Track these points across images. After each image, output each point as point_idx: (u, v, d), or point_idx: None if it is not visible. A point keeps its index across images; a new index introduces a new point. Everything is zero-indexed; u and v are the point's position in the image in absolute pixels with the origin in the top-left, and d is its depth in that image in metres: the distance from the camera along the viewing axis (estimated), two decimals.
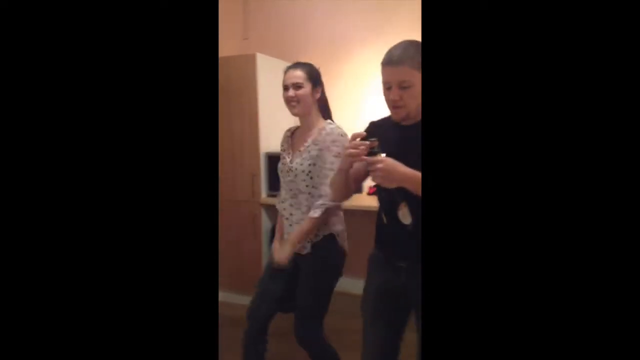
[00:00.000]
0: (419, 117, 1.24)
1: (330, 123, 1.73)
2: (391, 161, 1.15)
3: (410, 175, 1.14)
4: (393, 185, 1.16)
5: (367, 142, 1.17)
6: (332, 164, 1.62)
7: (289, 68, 1.73)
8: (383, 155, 1.16)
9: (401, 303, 1.36)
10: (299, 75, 1.68)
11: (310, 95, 1.70)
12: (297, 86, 1.68)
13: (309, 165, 1.68)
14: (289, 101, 1.70)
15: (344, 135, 1.67)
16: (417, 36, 2.79)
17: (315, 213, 1.65)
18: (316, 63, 2.30)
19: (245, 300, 3.13)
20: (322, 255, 1.71)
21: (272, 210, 3.16)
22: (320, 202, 1.65)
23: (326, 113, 1.79)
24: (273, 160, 3.02)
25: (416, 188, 1.13)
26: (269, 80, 3.09)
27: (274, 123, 3.23)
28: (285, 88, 1.70)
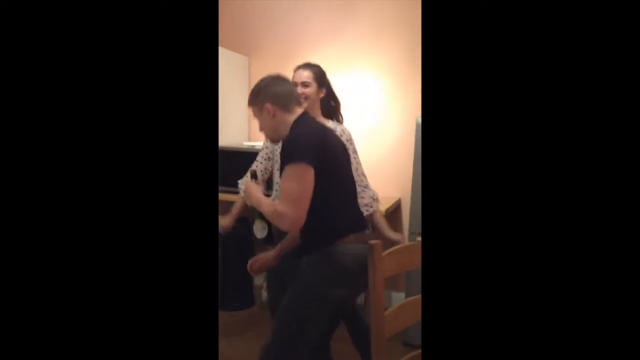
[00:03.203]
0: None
1: (334, 123, 1.91)
2: (250, 185, 1.46)
3: (258, 198, 1.41)
4: (250, 204, 1.45)
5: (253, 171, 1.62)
6: None
7: (298, 68, 1.89)
8: (254, 180, 1.54)
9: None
10: (307, 75, 1.83)
11: (315, 94, 1.85)
12: (305, 85, 1.83)
13: None
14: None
15: (342, 135, 1.83)
16: (376, 34, 2.92)
17: None
18: (275, 59, 2.49)
19: None
20: None
21: (224, 205, 2.77)
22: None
23: (331, 113, 1.96)
24: (226, 155, 2.82)
25: (261, 211, 1.38)
26: (228, 74, 2.98)
27: (229, 117, 2.95)
28: (294, 85, 1.81)
